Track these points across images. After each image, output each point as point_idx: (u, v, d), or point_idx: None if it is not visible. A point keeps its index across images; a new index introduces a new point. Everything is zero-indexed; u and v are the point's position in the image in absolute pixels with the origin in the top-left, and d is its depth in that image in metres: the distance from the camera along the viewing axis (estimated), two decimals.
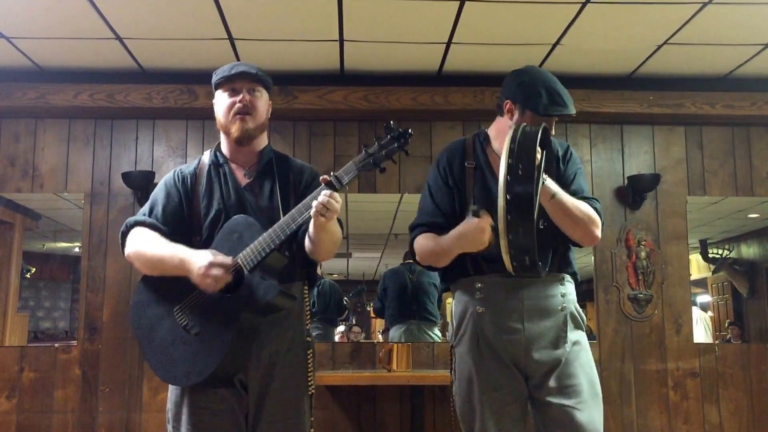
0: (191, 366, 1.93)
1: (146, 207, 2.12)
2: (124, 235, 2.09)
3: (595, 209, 2.10)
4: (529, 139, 1.89)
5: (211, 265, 1.88)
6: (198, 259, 1.90)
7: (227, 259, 1.90)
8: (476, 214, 2.01)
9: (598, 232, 2.09)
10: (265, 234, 1.90)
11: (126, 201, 3.91)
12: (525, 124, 1.97)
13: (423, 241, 2.15)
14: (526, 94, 2.09)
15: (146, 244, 2.02)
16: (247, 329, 1.94)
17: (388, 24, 3.29)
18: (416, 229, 2.19)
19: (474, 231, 1.98)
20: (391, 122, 1.91)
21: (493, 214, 1.97)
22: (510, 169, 1.87)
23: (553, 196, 1.98)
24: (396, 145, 1.88)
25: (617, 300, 3.95)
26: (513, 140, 1.89)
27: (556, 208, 2.00)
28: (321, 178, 1.86)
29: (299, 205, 1.89)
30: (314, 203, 1.83)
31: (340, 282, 4.44)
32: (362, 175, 3.87)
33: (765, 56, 3.64)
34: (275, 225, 1.90)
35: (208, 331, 1.93)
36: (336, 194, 1.84)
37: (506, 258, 1.91)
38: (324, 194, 1.82)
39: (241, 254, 1.91)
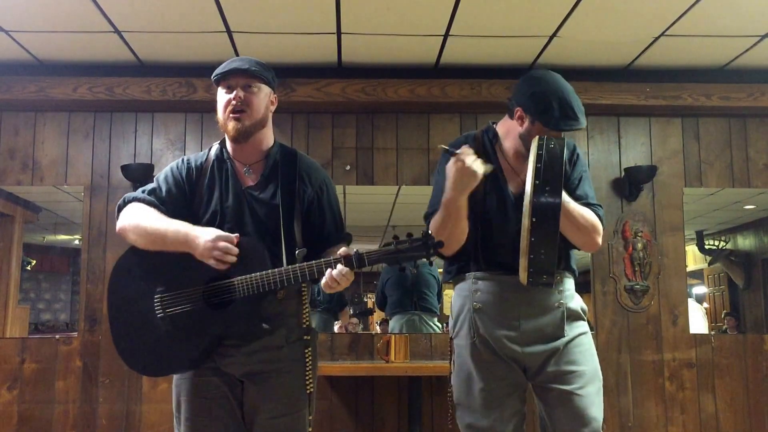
0: (150, 358, 1.96)
1: (147, 187, 2.10)
2: (120, 208, 2.07)
3: (598, 216, 2.11)
4: (554, 157, 1.90)
5: (218, 238, 1.88)
6: (204, 234, 1.90)
7: (232, 236, 1.90)
8: (448, 151, 1.98)
9: (599, 240, 2.11)
10: (269, 271, 1.87)
11: (125, 193, 3.92)
12: (548, 139, 1.96)
13: (433, 220, 2.11)
14: (538, 107, 2.06)
15: (146, 218, 1.99)
16: (214, 346, 1.94)
17: (385, 16, 3.30)
18: (430, 216, 2.15)
19: (456, 170, 1.95)
20: (429, 232, 1.85)
21: (508, 228, 2.00)
22: (536, 189, 1.88)
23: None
24: (424, 253, 1.82)
25: (614, 291, 3.97)
26: (538, 158, 1.90)
27: (562, 215, 1.98)
28: (342, 251, 1.84)
29: (314, 263, 1.86)
30: (327, 272, 1.82)
31: None
32: (360, 167, 3.94)
33: (762, 47, 3.64)
34: (282, 269, 1.88)
35: (177, 333, 1.93)
36: (350, 272, 1.83)
37: (523, 275, 1.95)
38: (339, 271, 1.81)
39: (239, 278, 1.89)
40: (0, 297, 4.05)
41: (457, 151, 1.95)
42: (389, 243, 1.84)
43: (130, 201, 2.07)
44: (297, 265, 1.88)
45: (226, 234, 1.90)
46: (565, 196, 2.01)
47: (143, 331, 1.96)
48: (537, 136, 1.99)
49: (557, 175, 1.89)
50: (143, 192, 2.08)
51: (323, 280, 1.84)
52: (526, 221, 1.90)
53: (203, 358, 1.95)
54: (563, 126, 2.04)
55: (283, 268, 1.87)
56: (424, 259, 1.83)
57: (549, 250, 1.89)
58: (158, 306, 1.96)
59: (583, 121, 2.07)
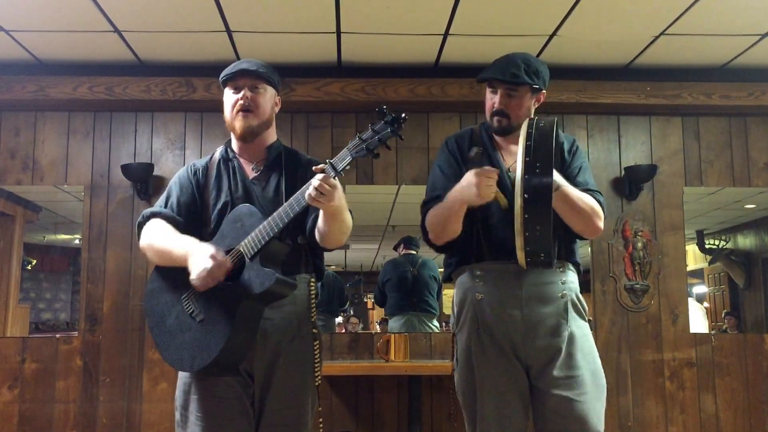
0: (196, 351, 1.96)
1: (161, 199, 2.17)
2: (141, 225, 2.13)
3: (598, 202, 2.10)
4: (544, 134, 1.90)
5: (211, 259, 1.90)
6: (197, 255, 1.93)
7: (224, 258, 1.92)
8: (475, 156, 2.03)
9: (601, 225, 2.10)
10: (264, 222, 1.92)
11: (125, 193, 3.93)
12: (538, 119, 1.98)
13: (432, 212, 2.14)
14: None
15: (157, 237, 2.07)
16: (249, 317, 1.96)
17: (385, 16, 3.30)
18: (428, 204, 2.18)
19: (471, 181, 1.96)
20: (384, 107, 1.87)
21: (507, 211, 2.00)
22: (527, 166, 1.88)
23: (558, 187, 1.98)
24: (389, 130, 1.83)
25: (614, 291, 3.97)
26: (528, 137, 1.90)
27: (560, 199, 1.99)
28: (314, 167, 1.86)
29: (297, 193, 1.90)
30: (309, 189, 1.84)
31: (338, 273, 4.47)
32: (360, 167, 3.94)
33: (762, 47, 3.63)
34: (274, 213, 1.92)
35: (211, 318, 1.96)
36: (331, 179, 1.83)
37: (521, 254, 1.94)
38: (317, 178, 1.82)
39: (243, 242, 1.94)
40: (0, 296, 4.05)
41: (487, 168, 1.98)
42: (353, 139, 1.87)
43: (148, 218, 2.13)
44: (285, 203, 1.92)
45: (220, 260, 1.91)
46: (563, 181, 2.02)
47: (183, 333, 2.00)
48: (528, 118, 2.02)
49: (548, 152, 1.88)
50: (159, 206, 2.15)
51: (307, 195, 1.84)
52: (518, 199, 1.90)
53: (242, 329, 1.97)
54: (483, 75, 2.14)
55: (275, 213, 1.91)
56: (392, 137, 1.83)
57: (544, 227, 1.88)
58: (187, 305, 2.01)
59: (522, 77, 2.10)
